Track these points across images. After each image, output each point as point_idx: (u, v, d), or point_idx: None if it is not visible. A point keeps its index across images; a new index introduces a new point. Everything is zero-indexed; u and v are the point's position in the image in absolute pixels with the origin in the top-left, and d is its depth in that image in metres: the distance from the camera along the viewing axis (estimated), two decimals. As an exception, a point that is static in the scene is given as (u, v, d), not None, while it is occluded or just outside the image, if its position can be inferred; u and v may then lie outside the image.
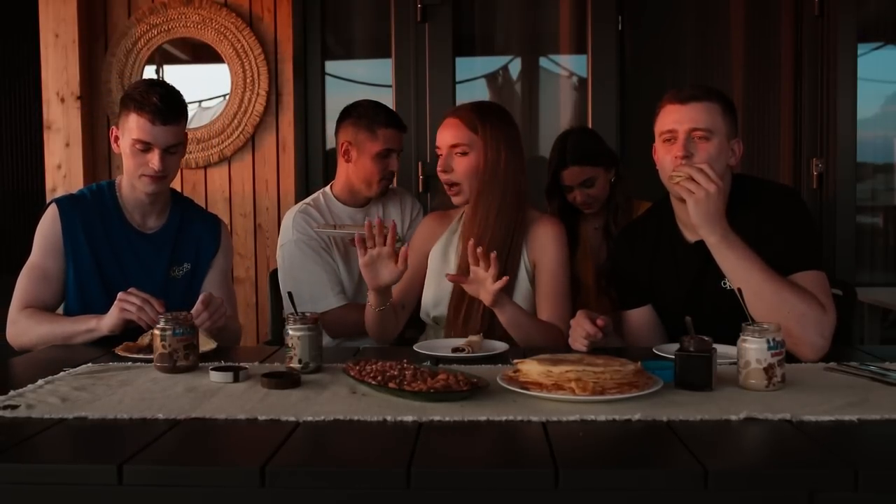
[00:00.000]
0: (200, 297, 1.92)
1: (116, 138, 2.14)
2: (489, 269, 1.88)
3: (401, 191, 2.88)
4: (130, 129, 2.06)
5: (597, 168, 2.59)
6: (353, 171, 2.62)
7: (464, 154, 2.10)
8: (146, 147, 2.06)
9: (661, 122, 1.90)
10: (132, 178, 2.12)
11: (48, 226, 2.12)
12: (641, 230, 2.06)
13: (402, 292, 2.17)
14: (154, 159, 2.06)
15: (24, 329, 2.04)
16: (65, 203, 2.15)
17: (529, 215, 2.18)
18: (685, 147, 1.83)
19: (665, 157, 1.87)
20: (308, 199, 2.67)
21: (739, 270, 1.73)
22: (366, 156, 2.58)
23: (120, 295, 1.91)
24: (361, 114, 2.62)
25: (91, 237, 2.12)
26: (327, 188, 2.71)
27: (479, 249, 1.89)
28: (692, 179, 1.75)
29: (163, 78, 3.57)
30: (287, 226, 2.58)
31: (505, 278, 1.89)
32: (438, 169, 2.15)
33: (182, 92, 2.16)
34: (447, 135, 2.14)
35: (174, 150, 2.11)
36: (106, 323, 1.94)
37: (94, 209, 2.15)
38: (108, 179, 2.27)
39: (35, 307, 2.06)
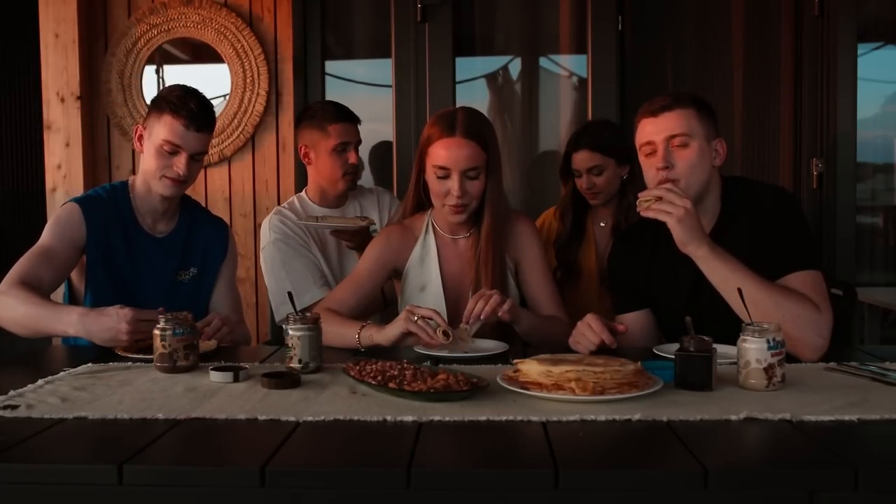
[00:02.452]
0: (210, 316, 1.98)
1: (140, 137, 2.14)
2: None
3: (378, 189, 2.90)
4: (161, 130, 2.07)
5: (607, 158, 2.60)
6: (316, 172, 2.68)
7: (476, 177, 2.04)
8: (174, 150, 2.08)
9: (639, 137, 1.92)
10: (151, 179, 2.12)
11: (68, 219, 2.09)
12: (638, 234, 2.05)
13: (359, 303, 2.12)
14: (180, 163, 2.08)
15: (7, 303, 1.94)
16: (86, 203, 2.13)
17: None
18: (664, 158, 1.84)
19: (649, 171, 1.89)
20: (284, 204, 2.73)
21: (730, 280, 1.73)
22: (323, 154, 2.63)
23: (130, 325, 1.80)
24: (311, 115, 2.69)
25: (108, 238, 2.12)
26: (302, 192, 2.76)
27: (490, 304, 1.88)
28: (662, 200, 1.74)
29: (164, 77, 3.58)
30: (264, 230, 2.63)
31: (511, 300, 1.91)
32: (453, 193, 2.02)
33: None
34: (462, 157, 2.01)
35: (198, 158, 2.13)
36: (111, 345, 1.84)
37: (110, 210, 2.15)
38: (112, 181, 2.27)
39: (29, 284, 1.97)
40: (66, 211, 2.12)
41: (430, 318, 1.83)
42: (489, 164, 2.06)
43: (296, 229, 2.58)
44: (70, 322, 1.86)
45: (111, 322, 1.81)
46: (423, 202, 2.20)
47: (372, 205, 2.78)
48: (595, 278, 2.63)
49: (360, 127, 2.70)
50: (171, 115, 2.06)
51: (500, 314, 1.89)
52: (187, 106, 2.06)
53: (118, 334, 1.81)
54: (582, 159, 2.61)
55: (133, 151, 3.57)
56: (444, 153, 2.02)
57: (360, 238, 2.52)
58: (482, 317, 1.88)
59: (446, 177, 2.03)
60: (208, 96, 2.18)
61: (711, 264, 1.76)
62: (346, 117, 2.66)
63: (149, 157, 2.11)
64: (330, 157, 2.63)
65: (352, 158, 2.63)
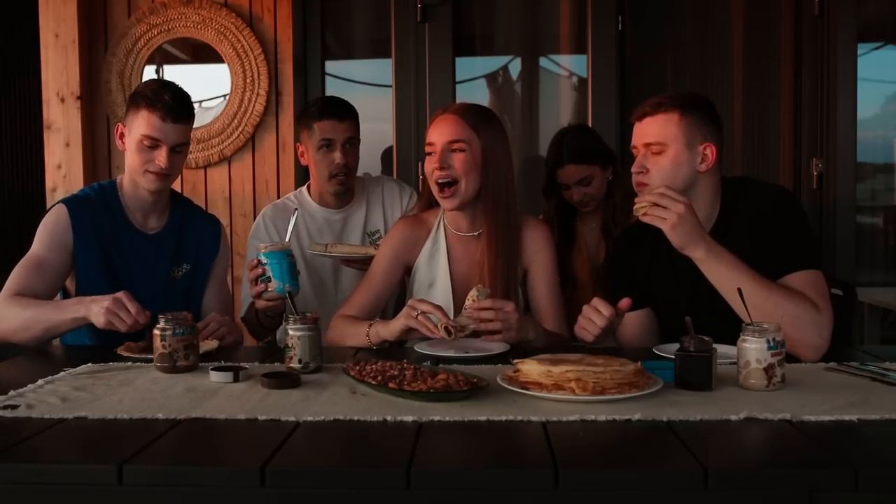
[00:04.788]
0: (208, 318, 1.99)
1: (122, 135, 2.14)
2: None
3: (384, 178, 2.77)
4: (139, 126, 2.07)
5: (593, 166, 2.59)
6: (311, 171, 2.58)
7: (461, 151, 2.02)
8: (154, 144, 2.07)
9: (632, 139, 1.94)
10: (136, 175, 2.12)
11: (56, 224, 2.09)
12: (639, 234, 2.06)
13: (376, 304, 2.13)
14: (161, 156, 2.07)
15: (6, 314, 1.95)
16: (74, 204, 2.13)
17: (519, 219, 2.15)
18: (640, 163, 1.87)
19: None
20: (282, 199, 2.64)
21: (728, 280, 1.73)
22: (311, 153, 2.53)
23: (112, 304, 1.83)
24: (303, 112, 2.60)
25: (99, 238, 2.12)
26: (304, 188, 2.66)
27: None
28: (658, 206, 1.74)
29: (163, 78, 3.58)
30: (256, 221, 2.58)
31: (511, 332, 1.85)
32: (434, 166, 2.03)
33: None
34: (446, 131, 2.03)
35: (180, 150, 2.12)
36: (95, 320, 1.86)
37: (100, 210, 2.14)
38: (108, 179, 2.26)
39: (25, 296, 1.98)
40: (53, 215, 2.12)
41: (432, 314, 1.82)
42: (483, 147, 2.03)
43: (275, 236, 2.48)
44: (76, 308, 1.90)
45: (104, 300, 1.85)
46: (431, 202, 2.18)
47: (376, 199, 2.64)
48: (590, 284, 2.62)
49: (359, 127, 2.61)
50: (147, 110, 2.06)
51: (484, 338, 1.85)
52: (162, 98, 2.06)
53: (101, 306, 1.83)
54: (569, 174, 2.59)
55: (133, 151, 3.56)
56: (433, 130, 2.06)
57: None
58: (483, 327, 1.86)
59: (432, 153, 2.04)
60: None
61: (710, 265, 1.76)
62: (332, 114, 2.50)
63: (131, 154, 2.10)
64: (316, 157, 2.51)
65: (336, 158, 2.48)
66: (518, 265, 2.11)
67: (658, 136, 1.85)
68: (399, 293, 2.38)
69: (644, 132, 1.87)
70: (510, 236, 2.08)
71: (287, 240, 2.05)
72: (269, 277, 1.95)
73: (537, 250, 2.13)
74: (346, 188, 2.56)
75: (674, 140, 1.84)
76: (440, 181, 2.04)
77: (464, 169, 2.02)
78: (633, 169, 1.88)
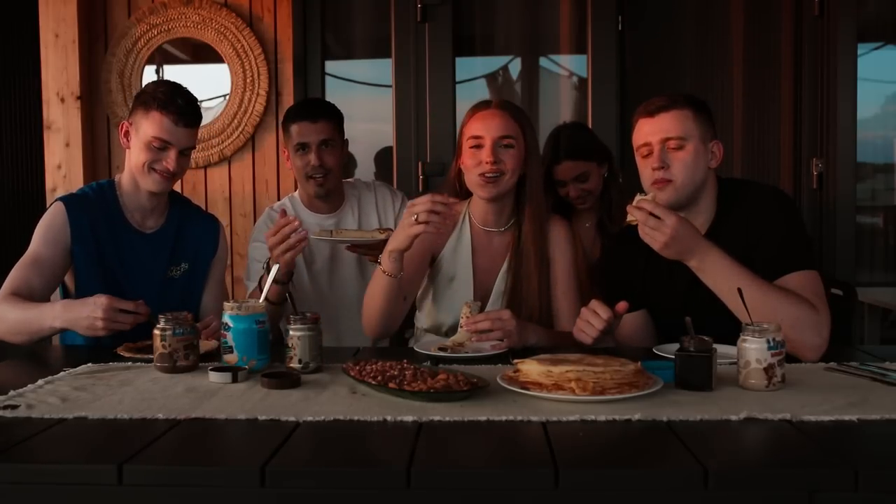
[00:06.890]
0: (209, 318, 1.98)
1: (127, 133, 2.14)
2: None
3: (376, 184, 2.74)
4: (150, 127, 2.07)
5: (590, 162, 2.59)
6: (295, 175, 2.56)
7: (511, 147, 2.05)
8: (164, 146, 2.08)
9: (636, 138, 1.92)
10: (139, 174, 2.11)
11: (53, 221, 2.10)
12: (634, 236, 2.05)
13: (405, 283, 2.10)
14: (170, 159, 2.09)
15: (1, 315, 1.96)
16: (71, 202, 2.13)
17: None
18: (660, 159, 1.85)
19: (645, 171, 1.90)
20: (276, 204, 2.61)
21: (725, 285, 1.73)
22: (291, 156, 2.51)
23: (105, 316, 1.80)
24: (284, 116, 2.57)
25: (97, 236, 2.12)
26: (295, 194, 2.64)
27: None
28: (651, 216, 1.72)
29: (164, 78, 3.58)
30: (256, 225, 2.55)
31: (508, 340, 1.86)
32: (484, 160, 2.03)
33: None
34: (493, 125, 2.05)
35: (187, 153, 2.14)
36: (87, 333, 1.85)
37: (98, 208, 2.14)
38: (107, 179, 2.26)
39: (20, 294, 1.98)
40: (51, 213, 2.12)
41: (432, 211, 1.84)
42: (527, 145, 2.08)
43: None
44: (55, 315, 1.88)
45: (88, 310, 1.83)
46: (458, 193, 2.19)
47: (369, 203, 2.62)
48: (586, 282, 2.61)
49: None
50: (159, 112, 2.06)
51: (490, 346, 1.86)
52: (175, 102, 2.07)
53: (94, 322, 1.82)
54: (566, 170, 2.58)
55: (133, 151, 3.56)
56: (478, 124, 2.07)
57: (380, 252, 2.28)
58: (480, 339, 1.88)
59: (479, 146, 2.05)
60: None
61: (705, 273, 1.76)
62: (304, 115, 2.47)
63: (137, 153, 2.10)
64: (293, 159, 2.49)
65: (312, 160, 2.45)
66: (548, 259, 2.15)
67: (679, 130, 1.85)
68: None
69: (661, 127, 1.86)
70: (543, 230, 2.12)
71: (263, 297, 1.81)
72: (230, 347, 1.65)
73: (559, 246, 2.17)
74: (327, 190, 2.51)
75: (693, 135, 1.85)
76: (489, 174, 2.04)
77: (513, 164, 2.06)
78: (654, 165, 1.86)
